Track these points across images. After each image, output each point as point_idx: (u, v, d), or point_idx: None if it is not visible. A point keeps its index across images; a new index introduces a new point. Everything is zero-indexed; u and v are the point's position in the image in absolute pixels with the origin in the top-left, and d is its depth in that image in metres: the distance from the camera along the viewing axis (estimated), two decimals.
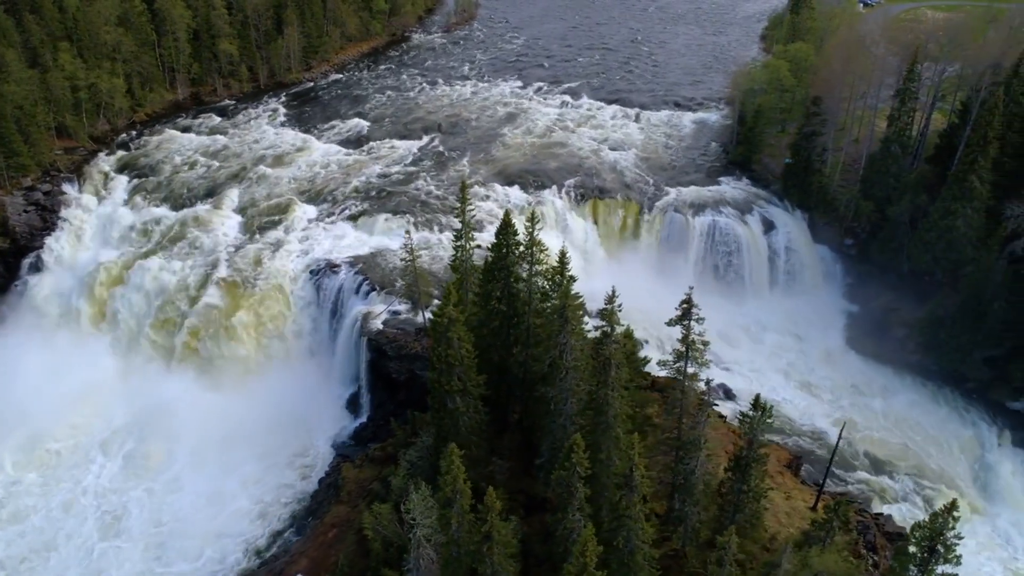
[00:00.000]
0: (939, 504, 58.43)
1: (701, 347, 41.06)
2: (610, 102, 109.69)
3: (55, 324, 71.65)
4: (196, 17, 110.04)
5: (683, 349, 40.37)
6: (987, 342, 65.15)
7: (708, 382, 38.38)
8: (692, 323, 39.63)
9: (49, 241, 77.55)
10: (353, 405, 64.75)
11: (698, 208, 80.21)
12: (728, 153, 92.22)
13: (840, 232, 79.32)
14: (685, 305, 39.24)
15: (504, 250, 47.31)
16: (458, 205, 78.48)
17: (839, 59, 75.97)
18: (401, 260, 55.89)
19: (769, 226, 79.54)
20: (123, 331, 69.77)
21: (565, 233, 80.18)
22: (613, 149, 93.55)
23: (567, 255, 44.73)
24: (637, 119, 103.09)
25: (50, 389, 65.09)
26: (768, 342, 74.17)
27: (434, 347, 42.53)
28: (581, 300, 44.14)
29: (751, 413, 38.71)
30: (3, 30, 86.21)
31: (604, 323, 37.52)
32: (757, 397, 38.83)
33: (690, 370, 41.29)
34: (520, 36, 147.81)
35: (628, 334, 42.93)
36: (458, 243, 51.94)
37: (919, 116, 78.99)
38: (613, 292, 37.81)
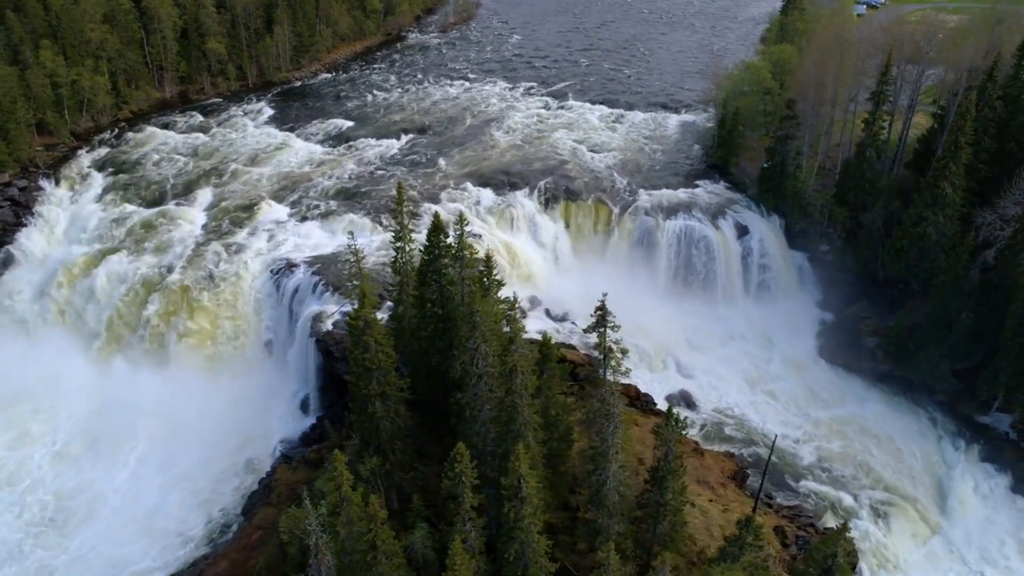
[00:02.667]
0: (895, 519, 57.44)
1: (619, 355, 40.14)
2: (597, 103, 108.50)
3: (19, 320, 72.04)
4: (184, 15, 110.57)
5: (600, 357, 39.48)
6: (955, 354, 63.25)
7: (613, 392, 37.15)
8: (607, 331, 38.73)
9: (20, 237, 78.11)
10: (306, 406, 64.34)
11: (670, 212, 78.83)
12: (709, 156, 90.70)
13: (816, 238, 77.59)
14: (599, 312, 38.28)
15: (435, 252, 46.66)
16: (444, 200, 79.70)
17: (812, 61, 74.24)
18: (343, 261, 55.24)
19: (743, 231, 77.96)
20: (83, 329, 69.95)
21: (534, 235, 79.42)
22: (592, 151, 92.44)
23: (492, 259, 43.91)
24: (620, 121, 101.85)
25: (10, 386, 65.48)
26: (736, 349, 72.64)
27: (352, 351, 41.92)
28: (504, 305, 43.34)
29: (665, 424, 37.68)
30: None
31: (508, 328, 36.57)
32: (669, 409, 37.82)
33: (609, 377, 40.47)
34: (516, 37, 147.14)
35: (546, 340, 41.81)
36: (397, 244, 51.29)
37: (899, 120, 77.03)
38: (515, 298, 36.90)
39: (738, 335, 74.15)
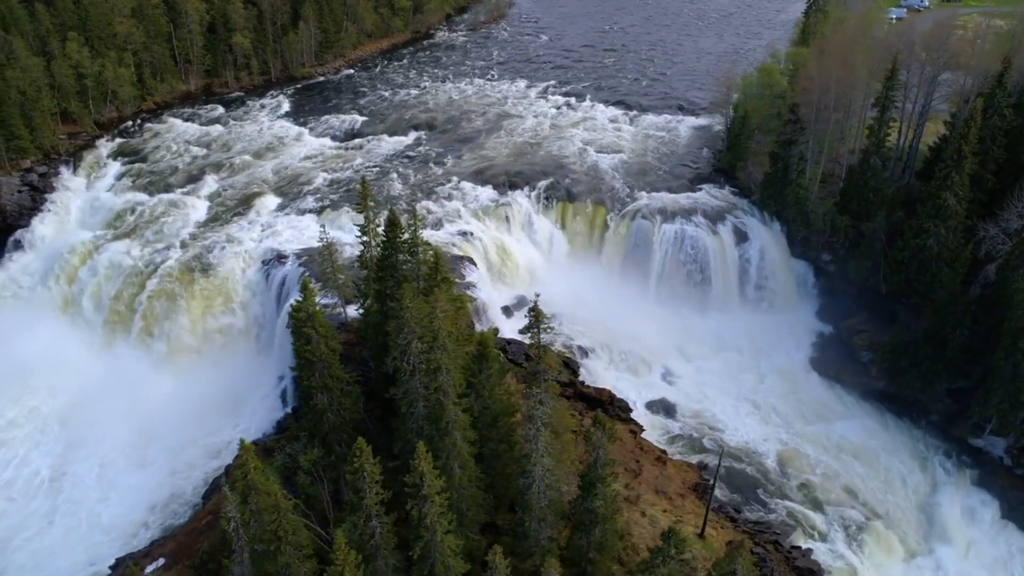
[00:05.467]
0: (872, 542, 55.20)
1: (555, 356, 39.58)
2: (613, 104, 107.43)
3: (27, 301, 74.85)
4: (211, 10, 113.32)
5: (535, 358, 38.95)
6: (949, 372, 60.55)
7: (535, 395, 36.53)
8: (540, 332, 38.19)
9: (35, 221, 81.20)
10: (286, 396, 65.09)
11: (668, 215, 77.33)
12: (719, 160, 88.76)
13: (818, 247, 75.24)
14: (533, 313, 37.77)
15: (391, 248, 46.78)
16: (441, 198, 80.00)
17: (816, 64, 71.88)
18: (319, 254, 55.76)
19: (742, 237, 76.03)
20: (84, 311, 72.27)
21: (530, 235, 78.97)
22: (599, 152, 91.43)
23: (440, 256, 43.83)
24: (633, 122, 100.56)
25: (8, 364, 68.20)
26: (726, 358, 70.82)
27: (295, 343, 42.33)
28: (456, 303, 43.21)
29: (594, 431, 36.97)
30: (15, 19, 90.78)
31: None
32: (596, 416, 37.02)
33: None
34: (544, 36, 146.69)
35: (484, 339, 41.35)
36: (363, 239, 51.58)
37: (908, 127, 74.20)
38: (438, 298, 36.56)
39: (730, 344, 72.27)
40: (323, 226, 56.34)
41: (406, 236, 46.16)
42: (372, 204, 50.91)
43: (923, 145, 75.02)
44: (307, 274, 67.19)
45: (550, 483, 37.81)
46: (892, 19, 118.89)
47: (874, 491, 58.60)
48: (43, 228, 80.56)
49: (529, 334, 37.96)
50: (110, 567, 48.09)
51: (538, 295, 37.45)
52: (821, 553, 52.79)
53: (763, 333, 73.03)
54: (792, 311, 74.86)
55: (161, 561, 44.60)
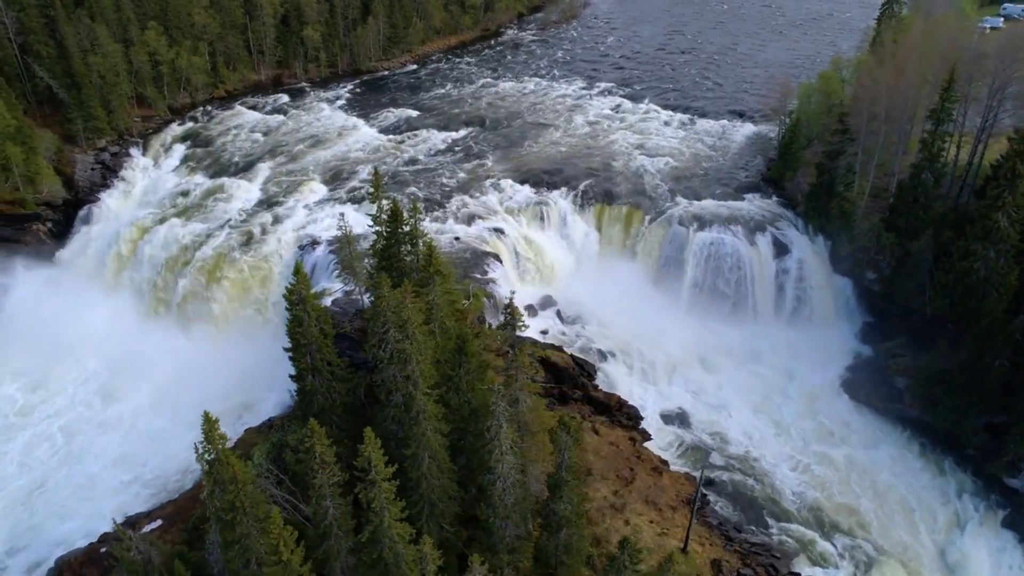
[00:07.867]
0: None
1: (529, 354, 39.48)
2: (670, 108, 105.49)
3: (89, 272, 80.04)
4: (285, 3, 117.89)
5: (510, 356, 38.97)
6: (986, 406, 56.67)
7: (499, 391, 36.49)
8: (515, 330, 38.19)
9: (103, 196, 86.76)
10: None
11: (706, 223, 75.46)
12: (770, 170, 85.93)
13: (863, 264, 71.73)
14: (508, 310, 37.83)
15: (392, 240, 47.70)
16: (478, 194, 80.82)
17: (866, 72, 68.49)
18: (339, 241, 57.28)
19: (782, 249, 73.39)
20: (136, 284, 76.76)
21: (563, 235, 78.65)
22: (647, 155, 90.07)
23: (434, 249, 44.39)
24: (686, 126, 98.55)
25: (67, 328, 73.31)
26: (752, 372, 68.58)
27: (288, 324, 43.77)
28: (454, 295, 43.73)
29: (559, 434, 36.71)
30: (101, 8, 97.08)
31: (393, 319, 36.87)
32: (562, 418, 36.69)
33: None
34: (613, 37, 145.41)
35: (463, 334, 41.58)
36: (375, 229, 52.65)
37: (970, 142, 69.71)
38: (405, 290, 37.06)
39: (759, 358, 69.93)
40: (342, 215, 57.93)
41: (407, 228, 46.98)
42: (385, 194, 51.87)
43: (986, 162, 70.33)
44: (336, 259, 69.53)
45: (515, 481, 37.76)
46: (986, 29, 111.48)
47: (893, 523, 55.55)
48: (109, 204, 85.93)
49: (504, 331, 37.96)
50: (119, 523, 51.01)
51: (513, 292, 37.66)
52: None
53: (795, 349, 70.34)
54: (829, 329, 71.73)
55: (158, 522, 47.08)
